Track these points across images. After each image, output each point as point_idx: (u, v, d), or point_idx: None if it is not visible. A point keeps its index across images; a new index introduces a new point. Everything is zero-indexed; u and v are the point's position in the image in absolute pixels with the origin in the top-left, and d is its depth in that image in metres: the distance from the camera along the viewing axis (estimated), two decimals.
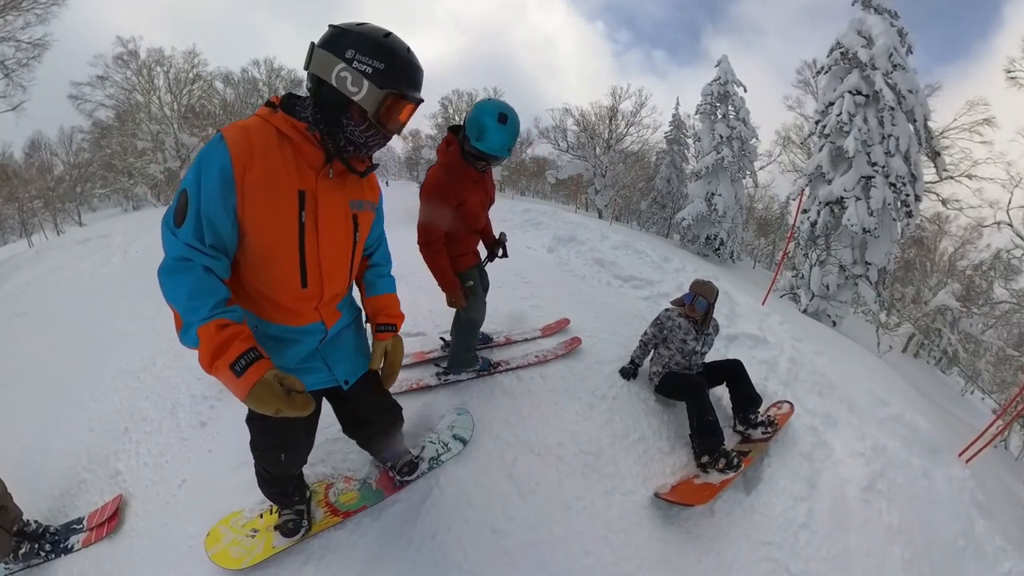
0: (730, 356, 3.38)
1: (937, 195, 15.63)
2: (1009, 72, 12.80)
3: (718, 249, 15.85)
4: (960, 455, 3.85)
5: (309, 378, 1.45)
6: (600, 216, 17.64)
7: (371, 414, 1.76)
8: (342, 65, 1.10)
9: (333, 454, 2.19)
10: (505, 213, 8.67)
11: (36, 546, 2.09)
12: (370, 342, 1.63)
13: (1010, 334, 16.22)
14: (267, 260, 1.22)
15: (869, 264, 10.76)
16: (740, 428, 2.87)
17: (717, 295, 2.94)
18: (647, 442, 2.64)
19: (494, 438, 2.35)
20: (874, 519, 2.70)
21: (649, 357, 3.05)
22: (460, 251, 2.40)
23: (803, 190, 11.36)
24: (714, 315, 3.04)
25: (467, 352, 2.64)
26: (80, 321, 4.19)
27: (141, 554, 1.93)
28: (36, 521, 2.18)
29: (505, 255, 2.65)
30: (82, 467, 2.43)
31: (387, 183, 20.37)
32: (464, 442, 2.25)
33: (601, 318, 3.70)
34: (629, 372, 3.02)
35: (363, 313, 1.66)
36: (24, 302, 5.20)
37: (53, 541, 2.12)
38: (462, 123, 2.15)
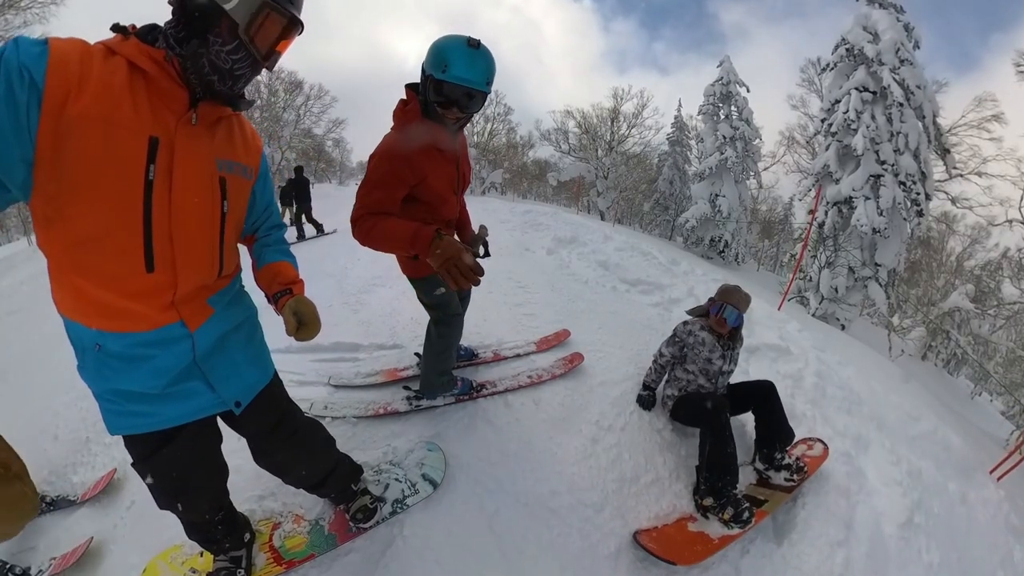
0: (751, 370, 2.99)
1: (946, 194, 15.29)
2: (1019, 66, 12.46)
3: (723, 251, 15.55)
4: (991, 472, 3.58)
5: (188, 404, 1.11)
6: (602, 218, 17.34)
7: (274, 442, 1.39)
8: None
9: (286, 487, 1.84)
10: (505, 215, 8.39)
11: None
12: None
13: (1019, 335, 15.88)
14: (97, 232, 0.88)
15: (879, 265, 10.45)
16: (760, 466, 2.37)
17: (749, 303, 2.43)
18: (662, 484, 2.18)
19: (472, 481, 1.95)
20: (914, 559, 2.39)
21: (665, 379, 2.60)
22: None
23: (814, 187, 11.03)
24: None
25: (440, 376, 2.22)
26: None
27: None
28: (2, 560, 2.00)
29: (487, 254, 2.06)
30: (42, 479, 2.26)
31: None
32: (434, 484, 1.89)
33: (606, 329, 3.30)
34: (648, 401, 2.53)
35: (256, 310, 1.33)
36: (17, 301, 5.15)
37: None
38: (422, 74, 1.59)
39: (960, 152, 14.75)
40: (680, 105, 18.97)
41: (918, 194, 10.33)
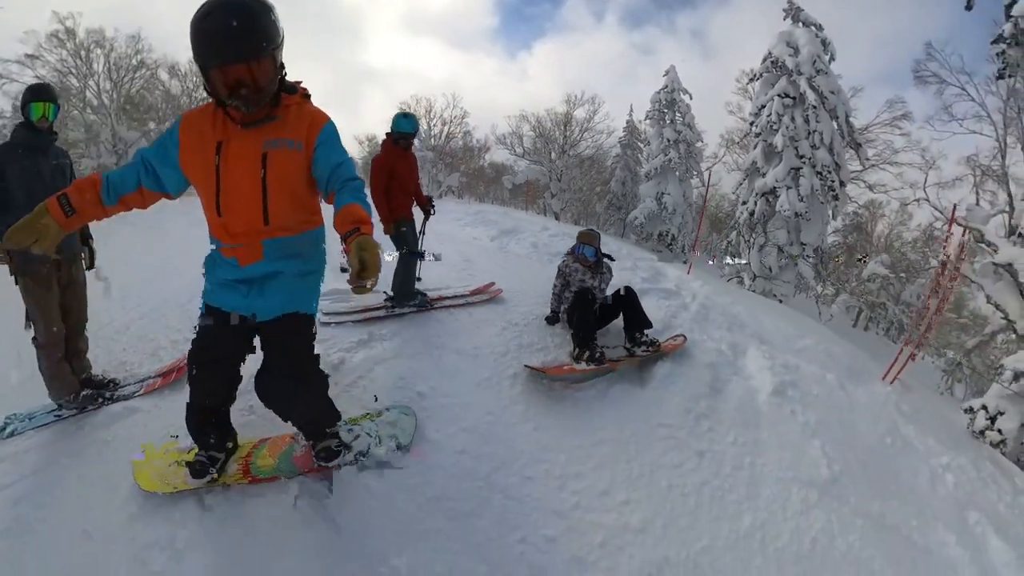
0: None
1: (864, 182, 16.96)
2: (916, 73, 14.23)
3: (670, 244, 16.71)
4: (883, 377, 3.91)
5: (227, 295, 1.68)
6: (557, 219, 18.16)
7: (274, 360, 1.71)
8: None
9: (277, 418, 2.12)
10: (459, 214, 8.98)
11: (96, 393, 2.35)
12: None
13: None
14: (202, 195, 1.61)
15: (804, 244, 11.64)
16: (627, 346, 3.18)
17: (600, 239, 3.44)
18: (548, 351, 3.22)
19: (430, 346, 3.09)
20: (787, 418, 2.82)
21: (564, 306, 3.43)
22: (398, 204, 3.50)
23: (742, 182, 12.14)
24: (607, 260, 3.42)
25: (408, 285, 3.50)
26: None
27: (113, 464, 1.97)
28: (104, 373, 2.52)
29: (433, 212, 3.91)
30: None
31: None
32: (402, 448, 2.13)
33: (524, 280, 4.28)
34: (552, 319, 3.51)
35: (319, 270, 1.81)
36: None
37: (113, 391, 2.41)
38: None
39: (876, 146, 16.46)
40: (631, 110, 20.21)
41: (833, 182, 11.63)
